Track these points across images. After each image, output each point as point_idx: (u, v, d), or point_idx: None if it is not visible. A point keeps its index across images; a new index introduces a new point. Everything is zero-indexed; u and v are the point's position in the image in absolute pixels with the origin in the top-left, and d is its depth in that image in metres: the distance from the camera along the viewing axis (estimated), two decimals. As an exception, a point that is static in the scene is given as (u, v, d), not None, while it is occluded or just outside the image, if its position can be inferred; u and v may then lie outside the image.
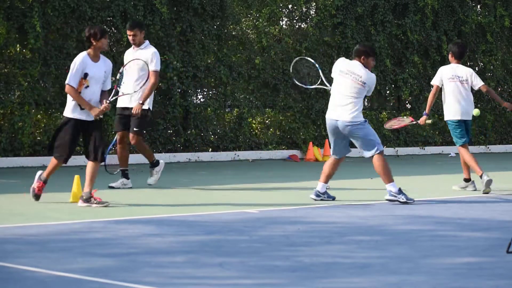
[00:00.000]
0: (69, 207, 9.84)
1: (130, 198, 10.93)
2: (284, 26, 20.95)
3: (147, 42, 12.21)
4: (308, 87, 11.84)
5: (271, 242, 7.47)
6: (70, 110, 10.04)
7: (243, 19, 20.26)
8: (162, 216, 9.19)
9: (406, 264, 6.45)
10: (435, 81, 12.28)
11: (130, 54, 12.20)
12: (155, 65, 11.98)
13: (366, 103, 22.63)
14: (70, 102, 10.05)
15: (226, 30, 19.38)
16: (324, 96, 20.75)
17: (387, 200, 10.49)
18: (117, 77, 11.33)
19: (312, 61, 11.72)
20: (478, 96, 24.14)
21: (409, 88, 22.71)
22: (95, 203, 9.79)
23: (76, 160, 16.21)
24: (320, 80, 11.41)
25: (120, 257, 6.59)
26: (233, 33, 19.72)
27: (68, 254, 6.65)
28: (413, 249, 7.17)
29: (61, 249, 6.91)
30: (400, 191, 10.46)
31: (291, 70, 12.01)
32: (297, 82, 11.78)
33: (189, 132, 18.69)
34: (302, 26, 21.32)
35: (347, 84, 10.47)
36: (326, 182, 10.66)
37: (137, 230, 8.07)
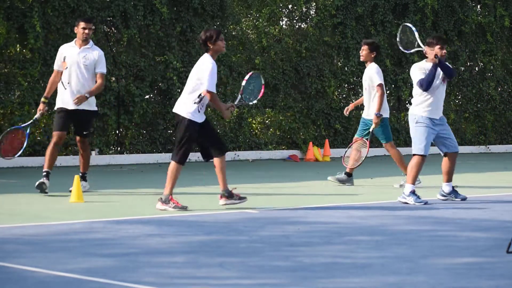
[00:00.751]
0: (69, 207, 9.84)
1: (130, 198, 10.93)
2: (284, 26, 20.96)
3: None
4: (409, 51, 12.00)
5: (271, 242, 7.47)
6: (191, 113, 9.76)
7: (243, 19, 20.27)
8: (162, 216, 9.19)
9: (406, 264, 6.45)
10: None
11: None
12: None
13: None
14: (193, 105, 9.82)
15: (226, 30, 19.38)
16: (324, 96, 20.75)
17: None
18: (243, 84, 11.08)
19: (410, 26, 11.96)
20: (478, 96, 24.17)
21: (409, 88, 22.70)
22: (172, 207, 9.62)
23: (76, 160, 16.22)
24: (416, 43, 11.60)
25: (120, 257, 6.59)
26: (233, 33, 19.72)
27: (68, 254, 6.65)
28: (413, 249, 7.17)
29: (61, 249, 6.91)
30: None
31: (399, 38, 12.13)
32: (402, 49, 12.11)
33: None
34: (302, 26, 21.32)
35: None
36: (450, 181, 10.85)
37: (137, 230, 8.07)
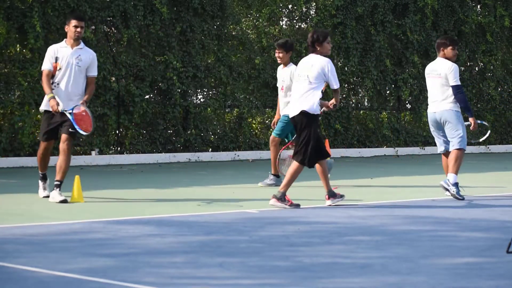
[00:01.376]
0: (69, 207, 9.84)
1: (130, 198, 10.93)
2: (284, 26, 20.96)
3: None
4: None
5: (271, 242, 7.47)
6: (314, 109, 10.36)
7: (243, 19, 20.26)
8: (162, 216, 9.19)
9: (406, 264, 6.45)
10: None
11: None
12: None
13: (366, 104, 22.64)
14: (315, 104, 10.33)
15: (226, 30, 19.38)
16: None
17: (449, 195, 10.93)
18: None
19: None
20: (478, 96, 24.17)
21: (409, 88, 22.71)
22: (288, 205, 9.92)
23: (76, 160, 16.22)
24: None
25: (120, 257, 6.59)
26: (233, 33, 19.72)
27: (68, 254, 6.65)
28: (413, 249, 7.17)
29: (61, 249, 6.91)
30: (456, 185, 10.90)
31: None
32: None
33: (189, 132, 18.69)
34: (302, 26, 21.32)
35: None
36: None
37: (137, 230, 8.07)
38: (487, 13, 24.37)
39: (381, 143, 22.16)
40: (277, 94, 12.76)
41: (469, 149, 23.20)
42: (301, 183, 13.07)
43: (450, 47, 11.25)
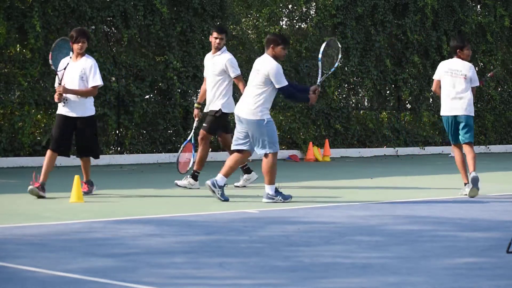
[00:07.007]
0: (69, 207, 9.84)
1: (130, 198, 10.93)
2: (284, 26, 20.96)
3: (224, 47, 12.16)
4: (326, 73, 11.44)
5: (271, 242, 7.47)
6: None
7: (243, 19, 20.27)
8: (162, 216, 9.19)
9: (406, 264, 6.45)
10: (434, 76, 12.08)
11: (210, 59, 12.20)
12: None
13: (366, 104, 22.66)
14: None
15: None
16: (324, 96, 20.75)
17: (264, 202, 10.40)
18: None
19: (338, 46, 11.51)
20: (478, 96, 24.17)
21: (409, 88, 22.72)
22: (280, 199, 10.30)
23: (76, 160, 16.22)
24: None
25: (120, 257, 6.59)
26: (233, 33, 19.72)
27: (68, 254, 6.65)
28: (413, 249, 7.16)
29: (61, 249, 6.91)
30: (277, 191, 10.41)
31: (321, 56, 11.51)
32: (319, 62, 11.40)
33: (189, 132, 18.69)
34: (302, 26, 21.33)
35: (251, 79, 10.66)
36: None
37: (137, 230, 8.07)
38: (487, 13, 24.38)
39: (381, 143, 22.16)
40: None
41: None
42: (301, 183, 13.08)
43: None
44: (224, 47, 12.22)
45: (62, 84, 10.68)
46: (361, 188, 12.72)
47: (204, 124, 12.31)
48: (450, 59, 11.96)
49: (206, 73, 12.32)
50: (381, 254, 6.89)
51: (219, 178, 10.43)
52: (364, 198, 11.11)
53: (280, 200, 10.30)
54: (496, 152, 23.83)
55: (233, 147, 10.67)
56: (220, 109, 12.13)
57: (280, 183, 13.47)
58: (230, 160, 10.60)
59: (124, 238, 7.58)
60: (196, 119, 12.61)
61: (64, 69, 10.74)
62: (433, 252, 7.03)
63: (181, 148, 12.76)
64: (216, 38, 12.14)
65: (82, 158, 11.00)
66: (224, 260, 6.46)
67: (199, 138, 12.28)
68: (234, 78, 12.07)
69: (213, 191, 10.35)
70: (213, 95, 12.16)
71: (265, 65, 10.41)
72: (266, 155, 10.40)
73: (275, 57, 10.47)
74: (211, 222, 8.76)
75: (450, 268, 6.30)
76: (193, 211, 9.63)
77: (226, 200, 10.39)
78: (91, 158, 11.05)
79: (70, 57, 10.84)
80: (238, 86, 12.12)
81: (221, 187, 10.42)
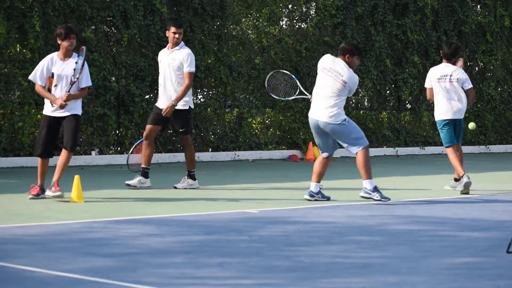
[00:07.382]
0: (69, 207, 9.84)
1: (130, 198, 10.93)
2: (284, 26, 20.96)
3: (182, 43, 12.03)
4: (287, 99, 11.91)
5: (271, 242, 7.47)
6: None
7: (243, 19, 20.26)
8: (162, 216, 9.19)
9: (406, 264, 6.45)
10: (426, 84, 12.26)
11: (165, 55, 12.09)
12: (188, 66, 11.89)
13: (366, 104, 22.65)
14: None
15: (226, 30, 19.37)
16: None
17: (361, 197, 10.53)
18: None
19: (288, 73, 11.86)
20: (478, 96, 24.16)
21: (409, 88, 22.71)
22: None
23: (76, 160, 16.22)
24: (298, 90, 11.51)
25: (120, 257, 6.59)
26: (233, 33, 19.72)
27: (68, 254, 6.65)
28: (413, 249, 7.17)
29: (61, 249, 6.91)
30: (375, 189, 10.47)
31: (266, 85, 12.02)
32: (272, 95, 11.93)
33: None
34: (302, 26, 21.32)
35: (329, 83, 10.47)
36: (318, 181, 10.64)
37: (137, 230, 8.07)
38: (487, 13, 24.37)
39: (381, 143, 22.16)
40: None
41: (469, 149, 23.21)
42: (301, 183, 13.07)
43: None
44: (182, 42, 12.23)
45: (67, 91, 10.45)
46: (361, 188, 12.71)
47: (180, 130, 12.10)
48: (438, 65, 12.25)
49: (162, 69, 12.18)
50: (381, 254, 6.89)
51: (313, 187, 10.61)
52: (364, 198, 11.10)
53: (377, 197, 10.45)
54: (496, 152, 23.82)
55: (325, 155, 10.82)
56: (190, 107, 12.13)
57: (280, 183, 13.49)
58: (317, 167, 10.72)
59: (124, 238, 7.58)
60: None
61: (73, 76, 10.51)
62: (433, 252, 7.03)
63: (133, 147, 12.80)
64: (174, 33, 12.16)
65: (62, 153, 10.58)
66: (224, 260, 6.46)
67: (182, 142, 12.30)
68: (187, 72, 11.95)
69: (316, 200, 10.54)
70: (174, 90, 12.01)
71: (350, 77, 10.49)
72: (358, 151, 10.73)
73: (349, 66, 10.60)
74: (211, 222, 8.76)
75: (450, 268, 6.30)
76: (193, 211, 9.63)
77: (328, 199, 10.62)
78: (69, 158, 10.62)
79: (52, 58, 10.56)
80: (185, 80, 11.99)
81: (319, 192, 10.62)
